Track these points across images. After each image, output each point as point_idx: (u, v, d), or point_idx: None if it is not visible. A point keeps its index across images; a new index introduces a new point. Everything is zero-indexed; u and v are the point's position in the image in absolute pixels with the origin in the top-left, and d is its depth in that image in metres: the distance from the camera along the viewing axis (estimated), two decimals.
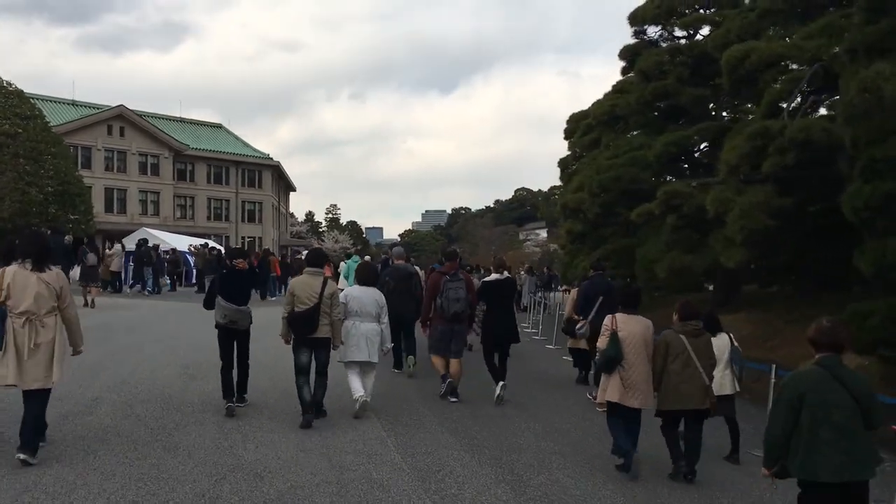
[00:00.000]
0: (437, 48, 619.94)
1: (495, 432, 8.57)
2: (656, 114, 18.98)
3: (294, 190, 78.56)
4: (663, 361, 6.95)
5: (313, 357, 8.31)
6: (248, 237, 60.72)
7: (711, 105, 18.88)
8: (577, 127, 26.25)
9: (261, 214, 63.75)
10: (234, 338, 8.58)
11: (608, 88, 23.10)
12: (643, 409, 7.27)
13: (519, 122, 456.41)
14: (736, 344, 8.20)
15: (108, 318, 17.21)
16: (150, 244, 27.67)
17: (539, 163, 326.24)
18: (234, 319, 8.39)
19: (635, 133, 19.25)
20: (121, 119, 53.05)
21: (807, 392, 4.36)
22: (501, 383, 9.86)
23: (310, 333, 8.14)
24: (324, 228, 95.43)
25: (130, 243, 29.22)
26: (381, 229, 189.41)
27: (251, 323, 8.72)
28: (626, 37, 22.16)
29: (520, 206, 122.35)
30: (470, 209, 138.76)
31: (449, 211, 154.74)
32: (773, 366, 8.81)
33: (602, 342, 7.22)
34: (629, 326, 7.17)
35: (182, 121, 63.15)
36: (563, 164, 26.98)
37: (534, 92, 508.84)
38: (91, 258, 20.45)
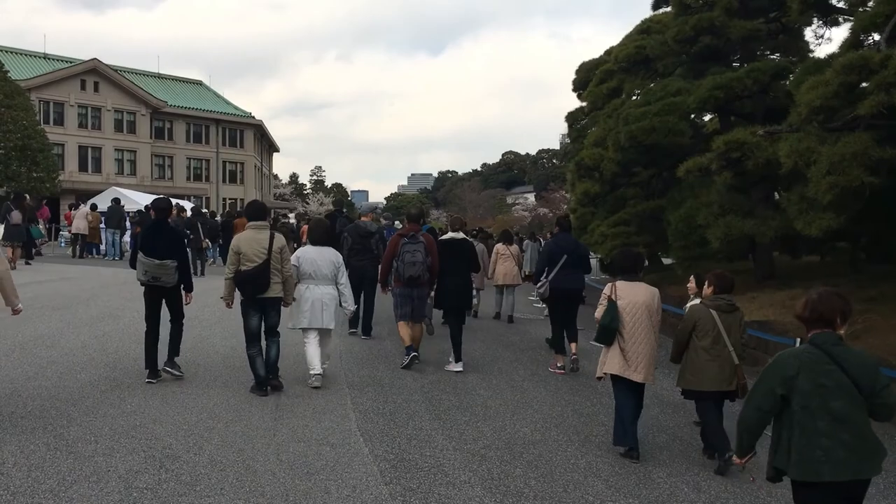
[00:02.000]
0: (425, 9, 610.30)
1: (465, 401, 8.21)
2: (693, 55, 16.19)
3: (278, 151, 75.85)
4: (688, 336, 6.51)
5: (262, 320, 7.79)
6: (230, 198, 57.93)
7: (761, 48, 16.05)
8: (589, 76, 23.43)
9: (242, 175, 61.01)
10: (160, 296, 8.02)
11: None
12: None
13: (507, 86, 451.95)
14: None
15: (34, 291, 14.45)
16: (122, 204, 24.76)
17: (527, 126, 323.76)
18: (156, 275, 7.74)
19: (668, 78, 16.42)
20: (95, 74, 50.17)
21: (798, 375, 3.74)
22: (459, 364, 9.57)
23: (261, 293, 7.61)
24: (308, 191, 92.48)
25: (102, 203, 26.46)
26: (366, 192, 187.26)
27: (178, 279, 7.93)
28: None
29: (507, 170, 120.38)
30: (457, 172, 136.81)
31: (435, 174, 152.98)
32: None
33: (599, 311, 6.70)
34: (630, 294, 6.64)
35: (160, 77, 60.10)
36: (572, 118, 24.17)
37: (523, 55, 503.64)
38: (15, 216, 18.38)
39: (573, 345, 10.19)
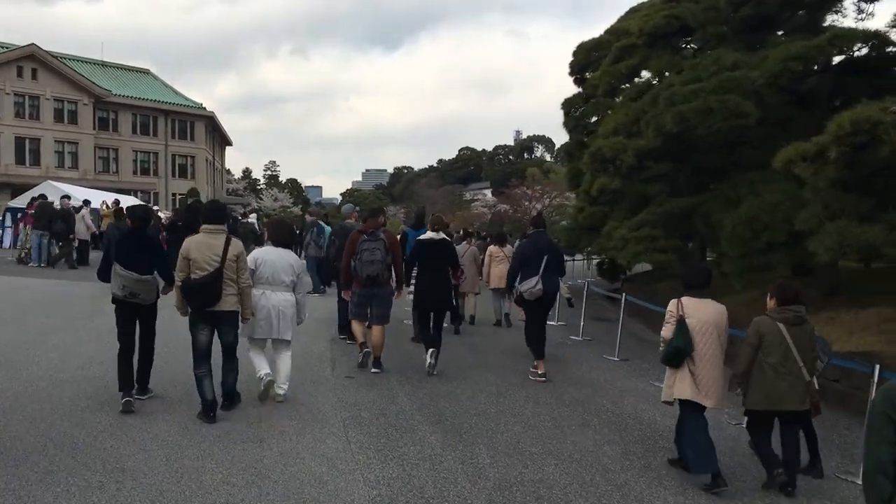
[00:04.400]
0: (381, 3, 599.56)
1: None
2: (740, 24, 13.22)
3: (230, 144, 71.91)
4: (754, 353, 5.89)
5: (216, 336, 6.83)
6: (180, 193, 53.84)
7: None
8: (589, 58, 20.39)
9: (193, 169, 57.16)
10: (135, 316, 7.03)
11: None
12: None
13: (464, 82, 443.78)
14: (817, 333, 6.47)
15: None
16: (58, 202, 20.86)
17: (483, 123, 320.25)
18: (134, 291, 6.82)
19: (718, 49, 13.36)
20: (32, 60, 46.25)
21: None
22: (432, 350, 9.08)
23: (211, 305, 6.67)
24: (262, 186, 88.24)
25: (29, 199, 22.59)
26: (320, 188, 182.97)
27: (158, 297, 7.13)
28: None
29: (464, 166, 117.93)
30: (413, 168, 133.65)
31: (391, 170, 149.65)
32: (877, 366, 6.76)
33: (667, 331, 6.05)
34: (699, 312, 6.02)
35: (104, 65, 56.00)
36: (569, 105, 21.06)
37: (480, 51, 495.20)
38: None
39: (540, 362, 9.41)
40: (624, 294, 12.70)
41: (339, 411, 7.20)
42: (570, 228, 21.36)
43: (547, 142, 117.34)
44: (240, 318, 6.93)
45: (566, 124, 21.33)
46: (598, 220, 17.18)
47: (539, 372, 9.29)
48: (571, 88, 21.99)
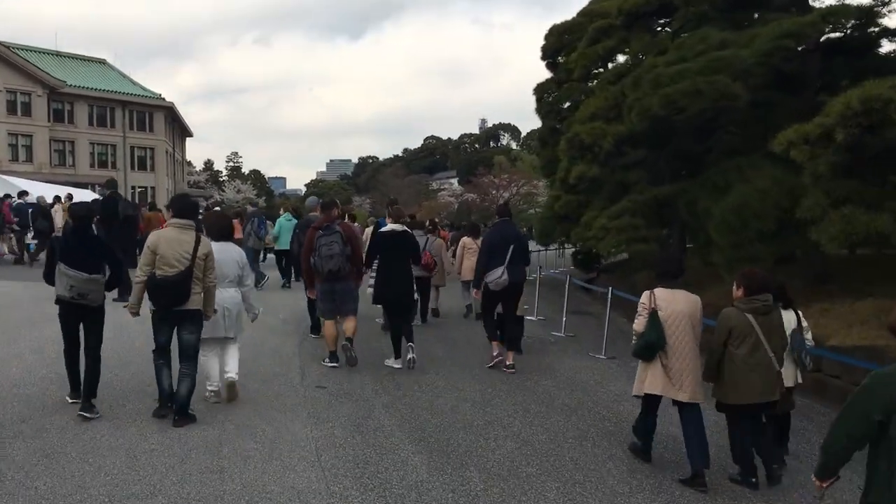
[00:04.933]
0: None
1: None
2: (723, 2, 12.58)
3: (191, 135, 70.06)
4: (724, 346, 5.69)
5: (177, 335, 6.53)
6: (139, 187, 52.28)
7: None
8: (562, 42, 19.68)
9: (153, 161, 55.22)
10: (81, 318, 6.61)
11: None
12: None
13: (429, 71, 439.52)
14: (805, 323, 6.36)
15: None
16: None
17: (448, 112, 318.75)
18: (83, 292, 6.40)
19: (704, 28, 12.69)
20: None
21: None
22: (409, 345, 8.83)
23: (178, 305, 6.36)
24: (224, 178, 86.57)
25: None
26: (284, 179, 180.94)
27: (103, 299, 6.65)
28: None
29: (429, 155, 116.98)
30: (378, 158, 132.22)
31: (355, 160, 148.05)
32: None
33: (639, 324, 5.91)
34: (671, 304, 5.86)
35: (59, 55, 53.78)
36: (542, 90, 20.30)
37: (444, 39, 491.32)
38: None
39: (510, 353, 9.21)
40: (610, 288, 12.06)
41: (310, 429, 6.42)
42: (544, 218, 20.66)
43: (513, 130, 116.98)
44: (203, 315, 6.66)
45: (539, 110, 20.62)
46: (575, 209, 16.50)
47: (507, 363, 9.08)
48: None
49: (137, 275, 6.39)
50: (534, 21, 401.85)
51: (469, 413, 7.19)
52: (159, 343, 6.57)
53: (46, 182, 31.48)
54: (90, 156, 51.58)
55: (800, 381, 6.44)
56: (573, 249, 22.26)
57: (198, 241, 6.47)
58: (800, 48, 11.14)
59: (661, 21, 15.09)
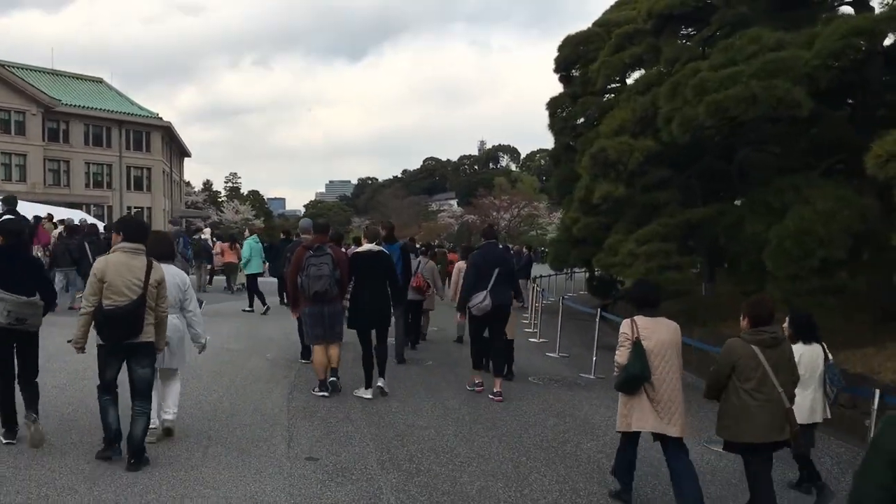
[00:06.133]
0: (344, 14, 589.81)
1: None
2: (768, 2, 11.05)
3: (189, 155, 68.77)
4: (725, 380, 5.22)
5: (128, 370, 5.91)
6: (136, 207, 50.76)
7: None
8: (577, 52, 18.21)
9: (149, 181, 53.83)
10: (14, 343, 6.08)
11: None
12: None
13: (428, 92, 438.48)
14: (831, 358, 6.18)
15: None
16: None
17: (447, 133, 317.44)
18: (21, 317, 5.96)
19: (754, 28, 11.12)
20: None
21: None
22: (379, 371, 8.54)
23: (130, 337, 5.75)
24: (223, 198, 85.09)
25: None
26: (283, 200, 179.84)
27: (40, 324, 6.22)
28: None
29: (429, 177, 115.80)
30: (377, 179, 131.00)
31: (355, 181, 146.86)
32: (877, 391, 6.22)
33: (622, 356, 5.49)
34: (656, 333, 5.48)
35: (55, 73, 52.63)
36: (555, 105, 18.81)
37: (443, 61, 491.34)
38: None
39: (498, 380, 8.86)
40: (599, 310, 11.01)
41: None
42: (559, 241, 19.06)
43: (512, 151, 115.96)
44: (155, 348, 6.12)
45: (552, 126, 19.14)
46: (596, 232, 14.95)
47: (495, 389, 8.73)
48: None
49: (83, 305, 5.82)
50: (531, 43, 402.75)
51: (474, 477, 5.56)
52: (106, 379, 5.92)
53: (39, 202, 30.07)
54: (85, 175, 50.25)
55: (828, 416, 6.24)
56: (587, 274, 20.68)
57: (150, 267, 5.87)
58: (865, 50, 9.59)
59: (690, 29, 13.58)
